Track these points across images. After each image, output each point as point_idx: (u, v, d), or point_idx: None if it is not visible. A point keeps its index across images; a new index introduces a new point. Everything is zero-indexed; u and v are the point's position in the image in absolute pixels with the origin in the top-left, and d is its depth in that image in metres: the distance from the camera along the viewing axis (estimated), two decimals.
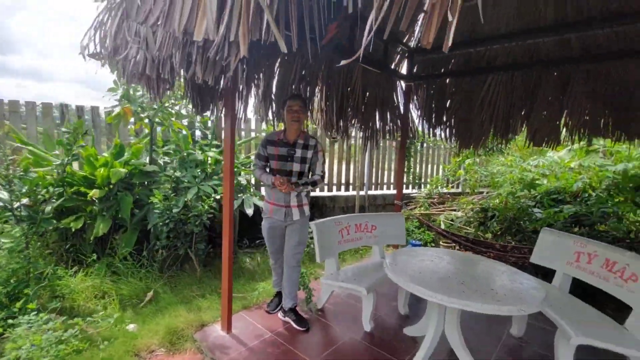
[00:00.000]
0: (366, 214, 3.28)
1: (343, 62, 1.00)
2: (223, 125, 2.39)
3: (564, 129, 3.75)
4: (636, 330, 2.04)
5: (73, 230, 2.93)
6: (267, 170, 2.61)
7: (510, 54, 3.66)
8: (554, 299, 2.37)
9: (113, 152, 3.25)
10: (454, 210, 5.17)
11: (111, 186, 3.24)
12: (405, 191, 6.46)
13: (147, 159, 3.65)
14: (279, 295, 2.89)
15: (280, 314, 2.76)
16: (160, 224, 3.09)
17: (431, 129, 4.44)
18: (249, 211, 3.56)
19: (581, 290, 2.58)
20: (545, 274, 2.84)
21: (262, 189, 3.06)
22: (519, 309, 1.77)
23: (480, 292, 1.94)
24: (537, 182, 4.42)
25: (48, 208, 2.81)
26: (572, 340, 1.99)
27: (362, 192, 5.69)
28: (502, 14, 3.30)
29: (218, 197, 3.32)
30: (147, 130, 3.74)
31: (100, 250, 3.24)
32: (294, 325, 2.61)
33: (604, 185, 3.95)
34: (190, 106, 2.78)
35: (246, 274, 3.63)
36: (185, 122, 4.10)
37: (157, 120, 3.62)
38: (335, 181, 5.72)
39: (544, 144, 3.91)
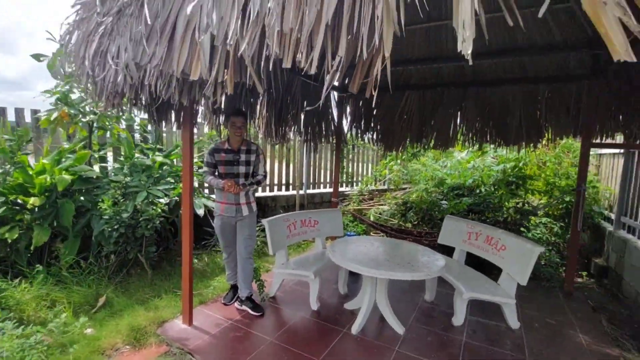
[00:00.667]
0: (310, 211, 3.75)
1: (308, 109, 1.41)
2: (181, 133, 2.60)
3: (461, 137, 4.71)
4: (504, 284, 2.87)
5: (9, 241, 2.80)
6: (216, 174, 2.92)
7: (422, 75, 4.47)
8: (452, 268, 3.13)
9: (55, 158, 3.14)
10: (382, 205, 5.96)
11: (47, 194, 3.14)
12: (340, 189, 7.11)
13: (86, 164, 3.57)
14: (233, 288, 3.19)
15: (237, 304, 3.06)
16: (109, 229, 3.12)
17: (360, 135, 5.11)
18: (200, 212, 3.74)
19: (474, 261, 3.41)
20: (449, 252, 3.64)
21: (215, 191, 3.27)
22: (426, 274, 2.41)
23: (401, 265, 2.54)
24: (446, 180, 5.40)
25: None
26: (464, 295, 2.72)
27: (301, 192, 6.15)
28: (415, 42, 4.04)
29: (167, 200, 3.44)
30: (78, 135, 3.64)
31: (37, 260, 3.12)
32: (251, 312, 2.95)
33: (491, 181, 5.06)
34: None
35: (197, 274, 3.80)
36: (123, 125, 4.06)
37: (95, 124, 3.57)
38: (276, 182, 6.08)
39: (445, 148, 4.86)
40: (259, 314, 2.94)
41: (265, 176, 3.03)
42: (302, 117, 4.63)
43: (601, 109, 3.57)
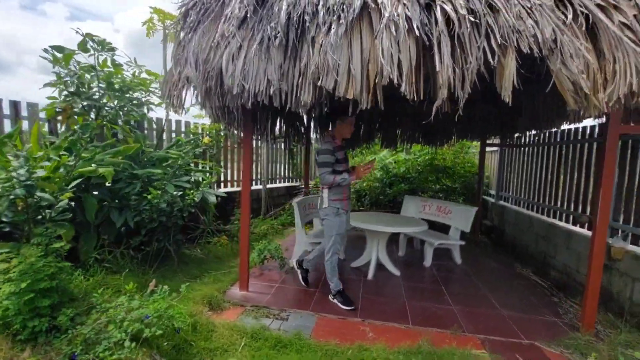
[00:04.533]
0: (309, 197, 4.56)
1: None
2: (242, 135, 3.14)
3: (399, 139, 6.23)
4: (453, 234, 4.35)
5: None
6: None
7: None
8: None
9: (97, 151, 3.08)
10: None
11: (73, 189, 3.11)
12: (296, 184, 7.95)
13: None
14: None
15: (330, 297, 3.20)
16: (147, 219, 3.32)
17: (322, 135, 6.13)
18: (212, 199, 4.11)
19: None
20: None
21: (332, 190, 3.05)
22: (420, 228, 3.63)
23: (392, 225, 3.69)
24: (391, 170, 6.91)
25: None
26: (435, 244, 4.06)
27: (268, 186, 6.76)
28: None
29: (199, 191, 3.77)
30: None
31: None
32: (340, 305, 3.05)
33: (416, 170, 6.78)
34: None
35: (219, 256, 4.20)
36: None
37: (106, 121, 3.59)
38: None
39: (391, 147, 6.33)
40: (349, 308, 2.99)
41: None
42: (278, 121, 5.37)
43: (490, 122, 5.49)
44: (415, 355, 2.23)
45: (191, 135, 5.12)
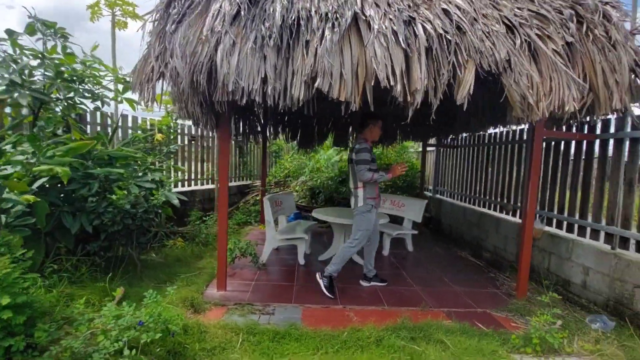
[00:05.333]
0: (276, 194, 4.61)
1: None
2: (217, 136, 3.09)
3: (351, 137, 6.62)
4: (407, 225, 4.83)
5: None
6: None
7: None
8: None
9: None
10: (292, 191, 7.19)
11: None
12: (245, 182, 7.80)
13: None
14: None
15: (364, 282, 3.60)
16: (109, 222, 3.04)
17: (287, 136, 6.24)
18: (176, 202, 3.91)
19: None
20: None
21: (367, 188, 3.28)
22: (382, 222, 3.98)
23: (349, 217, 4.00)
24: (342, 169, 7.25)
25: None
26: (393, 235, 4.48)
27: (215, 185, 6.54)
28: None
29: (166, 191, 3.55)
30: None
31: None
32: (379, 284, 3.56)
33: None
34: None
35: (180, 259, 3.98)
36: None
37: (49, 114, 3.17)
38: (193, 177, 6.23)
39: (342, 146, 6.69)
40: (385, 283, 3.57)
41: None
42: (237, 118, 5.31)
43: (430, 125, 6.18)
44: (401, 330, 2.52)
45: (140, 132, 4.73)
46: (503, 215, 4.60)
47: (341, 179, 7.01)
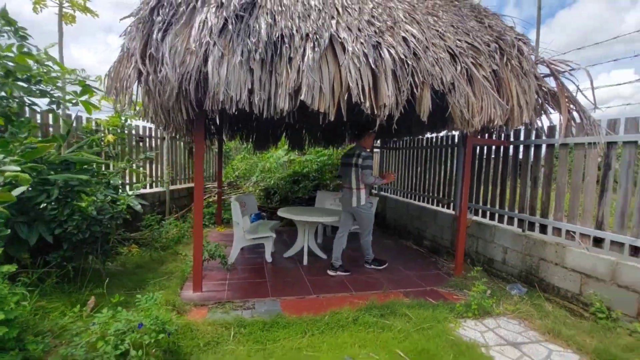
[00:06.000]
0: (241, 195, 4.71)
1: None
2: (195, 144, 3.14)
3: (307, 141, 6.95)
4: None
5: None
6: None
7: None
8: None
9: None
10: (242, 193, 7.22)
11: None
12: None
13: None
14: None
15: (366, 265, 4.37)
16: (75, 231, 2.90)
17: (241, 138, 6.29)
18: (139, 208, 3.80)
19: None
20: None
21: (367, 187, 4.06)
22: (333, 220, 4.39)
23: (314, 215, 4.38)
24: (301, 170, 7.51)
25: None
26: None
27: (171, 187, 6.30)
28: None
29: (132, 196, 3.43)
30: None
31: None
32: (378, 267, 4.31)
33: (315, 167, 7.65)
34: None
35: (140, 265, 3.85)
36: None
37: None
38: (147, 180, 5.92)
39: (299, 149, 6.98)
40: (384, 266, 4.30)
41: None
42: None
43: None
44: (371, 309, 2.94)
45: (84, 135, 4.41)
46: (440, 209, 5.38)
47: (293, 179, 7.30)
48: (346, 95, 2.70)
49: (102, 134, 4.41)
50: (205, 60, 2.45)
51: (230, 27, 2.53)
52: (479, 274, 3.62)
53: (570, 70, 3.51)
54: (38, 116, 3.73)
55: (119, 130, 4.95)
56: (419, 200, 6.09)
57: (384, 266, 4.29)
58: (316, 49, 2.61)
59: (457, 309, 3.04)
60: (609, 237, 3.05)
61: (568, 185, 3.50)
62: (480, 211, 4.63)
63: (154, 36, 2.45)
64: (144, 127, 6.07)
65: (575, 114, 3.46)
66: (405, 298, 3.33)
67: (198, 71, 2.46)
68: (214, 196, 7.10)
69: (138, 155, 5.78)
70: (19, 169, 2.05)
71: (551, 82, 3.66)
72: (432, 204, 5.68)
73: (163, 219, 5.13)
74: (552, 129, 3.68)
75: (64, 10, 3.92)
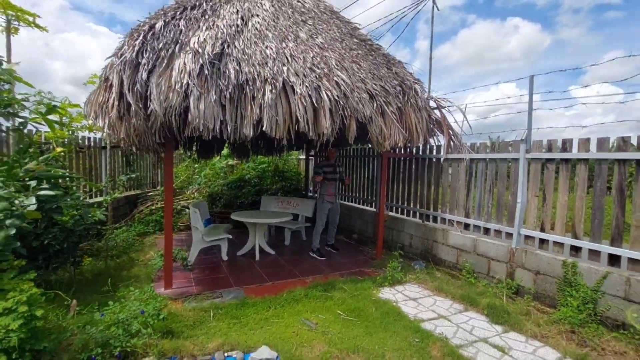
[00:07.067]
0: (197, 202, 5.19)
1: None
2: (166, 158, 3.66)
3: (250, 150, 7.58)
4: (301, 220, 6.24)
5: None
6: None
7: None
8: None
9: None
10: (187, 199, 7.49)
11: None
12: (133, 192, 7.57)
13: None
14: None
15: (328, 248, 5.63)
16: (53, 243, 3.20)
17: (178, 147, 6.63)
18: (103, 217, 4.08)
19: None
20: None
21: None
22: (286, 218, 5.25)
23: (267, 218, 5.19)
24: (245, 176, 8.00)
25: None
26: (293, 229, 5.81)
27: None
28: None
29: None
30: None
31: None
32: (334, 252, 5.58)
33: (256, 174, 8.32)
34: None
35: (100, 273, 4.13)
36: None
37: None
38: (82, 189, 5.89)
39: (243, 158, 7.57)
40: (337, 251, 5.61)
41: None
42: None
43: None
44: (316, 287, 3.86)
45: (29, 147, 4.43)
46: (365, 207, 6.61)
47: (237, 185, 7.87)
48: (295, 125, 3.57)
49: (51, 147, 4.48)
50: (185, 97, 3.08)
51: (205, 71, 3.18)
52: (396, 256, 4.84)
53: (449, 106, 4.95)
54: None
55: (65, 142, 5.01)
56: (348, 201, 7.26)
57: (322, 259, 5.26)
58: (273, 90, 3.43)
59: (378, 281, 4.17)
60: (472, 223, 4.51)
61: (448, 187, 4.94)
62: (393, 208, 5.95)
63: (140, 75, 2.97)
64: (83, 137, 6.03)
65: (453, 137, 4.90)
66: (341, 277, 4.34)
67: (179, 106, 3.07)
68: (157, 204, 7.26)
69: (78, 165, 5.77)
70: (34, 204, 2.37)
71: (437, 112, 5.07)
72: (359, 204, 6.89)
73: (106, 228, 5.30)
74: (439, 147, 5.10)
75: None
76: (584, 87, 4.29)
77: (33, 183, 2.56)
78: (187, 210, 7.24)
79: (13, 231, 2.08)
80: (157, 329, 2.79)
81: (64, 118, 4.89)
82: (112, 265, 4.64)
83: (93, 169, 6.26)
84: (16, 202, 2.10)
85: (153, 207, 7.17)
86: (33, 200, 2.19)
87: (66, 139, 4.92)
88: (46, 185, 2.73)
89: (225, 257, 4.96)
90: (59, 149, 4.57)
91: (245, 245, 5.32)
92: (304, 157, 9.22)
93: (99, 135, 6.22)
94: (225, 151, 8.09)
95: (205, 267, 4.72)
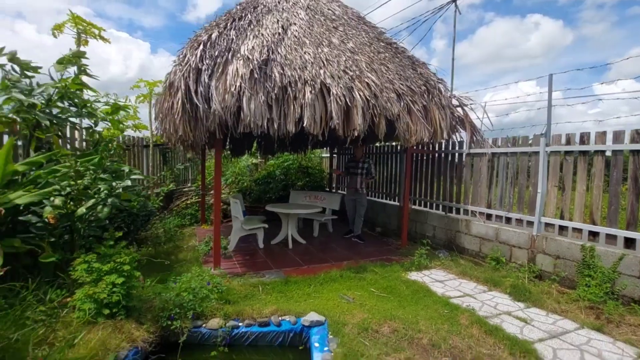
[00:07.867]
0: (236, 194, 5.67)
1: None
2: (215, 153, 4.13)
3: (277, 148, 8.05)
4: (328, 213, 6.63)
5: None
6: None
7: None
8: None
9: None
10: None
11: None
12: (172, 187, 8.16)
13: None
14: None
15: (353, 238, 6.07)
16: (122, 224, 3.70)
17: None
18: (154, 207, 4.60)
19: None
20: None
21: None
22: (315, 210, 5.65)
23: (298, 209, 5.60)
24: (274, 172, 8.49)
25: None
26: (322, 220, 6.21)
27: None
28: None
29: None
30: None
31: None
32: (359, 242, 5.87)
33: (283, 172, 8.78)
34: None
35: (153, 256, 4.64)
36: None
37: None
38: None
39: (267, 154, 8.04)
40: (363, 242, 5.90)
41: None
42: None
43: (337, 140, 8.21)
44: (350, 270, 4.24)
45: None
46: (388, 201, 6.94)
47: (266, 181, 8.34)
48: (330, 123, 3.97)
49: (114, 144, 5.05)
50: (238, 98, 3.52)
51: (255, 75, 3.62)
52: (424, 244, 5.15)
53: (471, 104, 5.25)
54: (76, 132, 4.31)
55: (119, 140, 5.59)
56: (372, 196, 7.61)
57: (362, 242, 5.98)
58: (312, 91, 3.83)
59: (405, 265, 4.51)
60: (494, 213, 4.79)
61: (471, 180, 5.22)
62: (416, 201, 6.26)
63: (203, 79, 3.44)
64: (129, 137, 6.63)
65: (475, 133, 5.19)
66: (371, 263, 4.71)
67: (233, 106, 3.52)
68: (192, 198, 7.82)
69: (127, 161, 6.35)
70: (130, 186, 2.88)
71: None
72: (382, 198, 7.23)
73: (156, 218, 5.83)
74: (461, 143, 5.40)
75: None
76: (601, 83, 4.52)
77: (126, 169, 3.05)
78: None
79: (111, 209, 2.56)
80: (217, 298, 3.24)
81: (116, 117, 5.46)
82: (161, 250, 5.15)
83: (137, 165, 6.85)
84: (113, 184, 2.57)
85: (188, 202, 7.72)
86: (129, 182, 2.66)
87: (119, 137, 5.48)
88: (137, 170, 3.23)
89: (261, 245, 5.40)
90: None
91: (278, 235, 5.75)
92: (327, 155, 9.62)
93: (142, 134, 6.81)
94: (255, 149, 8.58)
95: (244, 253, 5.17)
